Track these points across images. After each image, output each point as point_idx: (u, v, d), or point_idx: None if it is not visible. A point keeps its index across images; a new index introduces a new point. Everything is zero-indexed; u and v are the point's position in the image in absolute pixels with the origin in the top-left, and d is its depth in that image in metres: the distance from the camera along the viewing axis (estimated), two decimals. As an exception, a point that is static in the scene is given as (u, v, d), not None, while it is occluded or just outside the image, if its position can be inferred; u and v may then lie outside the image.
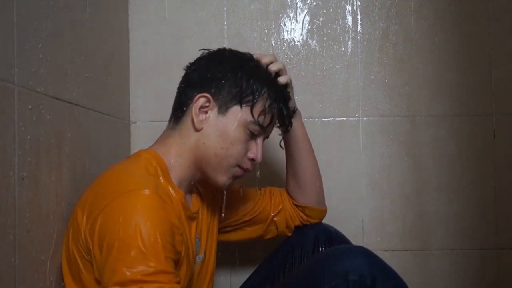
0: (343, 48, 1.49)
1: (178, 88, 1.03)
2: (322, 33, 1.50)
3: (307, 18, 1.50)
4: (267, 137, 1.04)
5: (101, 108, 1.17)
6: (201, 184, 1.09)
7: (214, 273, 1.14)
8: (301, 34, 1.50)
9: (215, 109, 0.96)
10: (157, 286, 0.76)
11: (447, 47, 1.48)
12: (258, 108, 0.97)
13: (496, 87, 1.47)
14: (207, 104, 0.96)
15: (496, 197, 1.46)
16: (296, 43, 1.50)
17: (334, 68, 1.49)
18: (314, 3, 1.50)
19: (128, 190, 0.83)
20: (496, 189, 1.46)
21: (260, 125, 0.97)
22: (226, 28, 1.49)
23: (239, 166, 0.99)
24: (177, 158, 0.97)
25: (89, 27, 1.10)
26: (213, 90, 0.96)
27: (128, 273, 0.75)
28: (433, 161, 1.48)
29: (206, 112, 0.96)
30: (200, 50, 1.03)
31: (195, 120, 0.96)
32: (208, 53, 1.02)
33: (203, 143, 0.96)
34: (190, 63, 1.03)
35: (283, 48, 1.49)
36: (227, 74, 0.96)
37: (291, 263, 1.16)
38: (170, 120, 1.02)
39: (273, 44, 1.49)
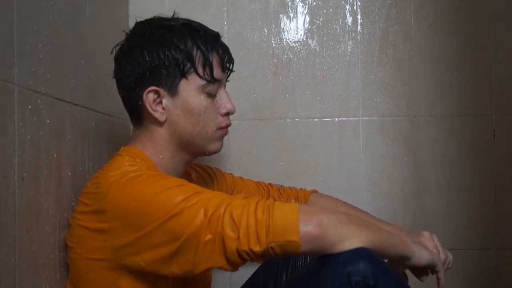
0: (343, 48, 1.49)
1: (120, 95, 0.99)
2: (322, 33, 1.50)
3: (307, 18, 1.50)
4: (224, 86, 1.01)
5: (101, 108, 1.17)
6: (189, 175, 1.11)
7: (211, 276, 1.14)
8: (301, 34, 1.50)
9: (166, 95, 0.94)
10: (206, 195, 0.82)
11: (447, 47, 1.48)
12: (200, 68, 0.94)
13: (496, 87, 1.47)
14: (157, 95, 0.94)
15: (496, 197, 1.46)
16: (296, 43, 1.50)
17: (334, 68, 1.49)
18: (314, 3, 1.50)
19: (121, 177, 0.85)
20: (496, 189, 1.47)
21: (213, 80, 0.95)
22: (226, 28, 1.49)
23: (219, 128, 0.98)
24: (157, 153, 0.96)
25: (89, 27, 1.10)
26: (153, 81, 0.93)
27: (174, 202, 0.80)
28: (433, 161, 1.48)
29: (161, 102, 0.94)
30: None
31: (155, 115, 0.94)
32: (120, 50, 0.97)
33: (175, 130, 0.95)
34: (114, 68, 0.99)
35: (283, 48, 1.49)
36: (154, 60, 0.92)
37: (293, 264, 1.16)
38: (131, 121, 1.00)
39: (273, 44, 1.49)
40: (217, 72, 0.95)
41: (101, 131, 1.18)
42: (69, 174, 0.96)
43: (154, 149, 0.96)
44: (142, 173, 0.86)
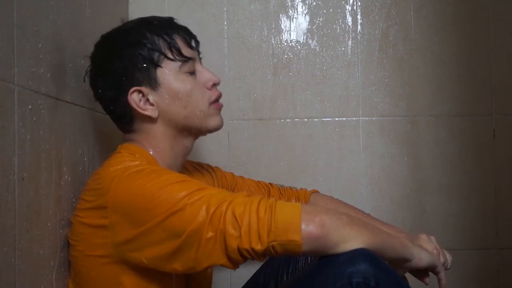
0: (343, 48, 1.49)
1: (108, 111, 1.00)
2: (322, 33, 1.50)
3: (307, 18, 1.50)
4: (200, 61, 1.02)
5: (101, 108, 1.16)
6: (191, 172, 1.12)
7: (212, 271, 1.14)
8: (301, 34, 1.50)
9: (149, 90, 0.94)
10: (208, 191, 0.81)
11: (447, 47, 1.48)
12: (168, 52, 0.95)
13: (496, 87, 1.47)
14: (141, 94, 0.94)
15: (496, 197, 1.46)
16: (296, 43, 1.50)
17: (334, 68, 1.49)
18: (314, 3, 1.50)
19: (122, 172, 0.85)
20: (496, 189, 1.47)
21: (186, 58, 0.96)
22: (226, 28, 1.49)
23: (211, 103, 0.99)
24: (155, 148, 0.97)
25: (89, 27, 1.10)
26: (132, 82, 0.94)
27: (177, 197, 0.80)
28: (433, 161, 1.48)
29: (148, 100, 0.95)
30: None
31: (146, 113, 0.94)
32: (91, 72, 0.99)
33: (169, 120, 0.96)
34: (93, 92, 0.99)
35: (283, 48, 1.49)
36: (123, 63, 0.93)
37: (294, 264, 1.16)
38: (123, 130, 1.00)
39: (273, 44, 1.49)
40: (185, 50, 0.97)
41: (101, 131, 1.18)
42: (69, 174, 0.96)
43: (152, 144, 0.97)
44: (144, 168, 0.86)
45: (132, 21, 1.00)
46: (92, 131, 1.10)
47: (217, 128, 1.01)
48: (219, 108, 1.01)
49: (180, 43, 0.96)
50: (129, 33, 0.96)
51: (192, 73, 0.98)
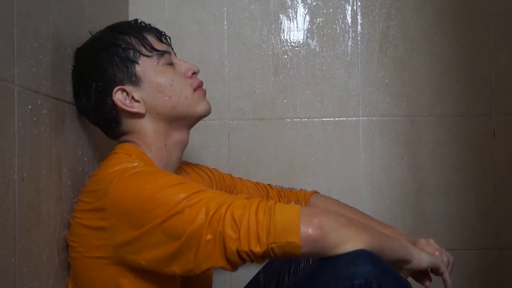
0: (343, 48, 1.49)
1: (95, 119, 1.00)
2: (322, 33, 1.50)
3: (307, 18, 1.50)
4: (175, 54, 1.04)
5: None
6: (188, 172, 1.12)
7: (212, 273, 1.14)
8: (301, 34, 1.50)
9: (132, 87, 0.95)
10: (207, 194, 0.81)
11: (447, 47, 1.48)
12: (142, 49, 0.96)
13: (496, 87, 1.47)
14: (125, 93, 0.95)
15: (496, 197, 1.46)
16: (296, 43, 1.50)
17: (334, 68, 1.49)
18: (314, 3, 1.50)
19: (121, 173, 0.85)
20: (496, 189, 1.47)
21: (161, 51, 0.98)
22: (226, 28, 1.49)
23: (194, 89, 1.00)
24: (150, 147, 0.96)
25: (89, 27, 1.10)
26: (114, 83, 0.94)
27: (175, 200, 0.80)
28: (433, 161, 1.48)
29: (133, 97, 0.95)
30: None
31: (134, 110, 0.95)
32: (73, 83, 0.99)
33: (157, 113, 0.96)
34: (77, 106, 0.99)
35: (283, 48, 1.49)
36: (102, 66, 0.95)
37: (295, 266, 1.16)
38: (113, 136, 1.01)
39: (273, 44, 1.49)
40: (158, 45, 0.98)
41: (101, 131, 1.17)
42: (69, 174, 0.96)
43: (145, 143, 0.97)
44: (143, 169, 0.86)
45: (100, 30, 1.01)
46: (92, 131, 1.10)
47: (206, 113, 1.02)
48: (204, 92, 1.02)
49: (151, 39, 0.98)
50: (101, 39, 0.98)
51: (171, 64, 0.99)
